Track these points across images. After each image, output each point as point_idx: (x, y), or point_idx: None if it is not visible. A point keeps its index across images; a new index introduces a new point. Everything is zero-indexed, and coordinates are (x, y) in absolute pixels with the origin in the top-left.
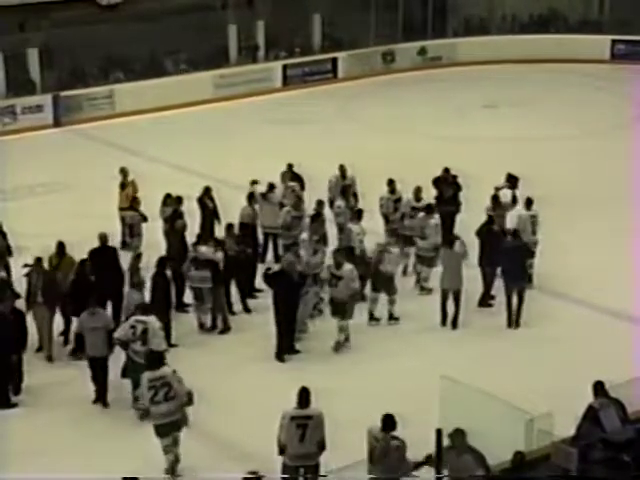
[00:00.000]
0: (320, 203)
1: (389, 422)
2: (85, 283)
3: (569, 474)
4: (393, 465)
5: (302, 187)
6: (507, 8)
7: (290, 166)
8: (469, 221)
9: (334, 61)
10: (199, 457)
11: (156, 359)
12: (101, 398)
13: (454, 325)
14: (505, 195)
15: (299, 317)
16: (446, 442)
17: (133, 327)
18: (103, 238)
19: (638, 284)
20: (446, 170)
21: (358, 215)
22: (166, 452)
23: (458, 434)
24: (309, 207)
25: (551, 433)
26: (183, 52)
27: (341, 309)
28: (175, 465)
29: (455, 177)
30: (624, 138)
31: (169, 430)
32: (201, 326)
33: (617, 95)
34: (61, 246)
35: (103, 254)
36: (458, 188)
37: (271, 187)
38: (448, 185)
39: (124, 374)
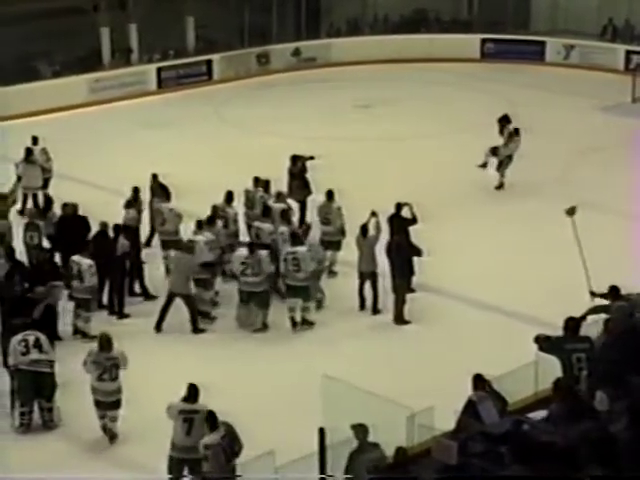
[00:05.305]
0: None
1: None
2: None
3: (449, 467)
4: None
5: (168, 198)
6: (379, 9)
7: (155, 176)
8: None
9: (209, 63)
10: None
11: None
12: None
13: (375, 310)
14: None
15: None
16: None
17: (24, 341)
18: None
19: (514, 280)
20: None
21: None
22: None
23: (360, 429)
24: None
25: (432, 428)
26: (55, 56)
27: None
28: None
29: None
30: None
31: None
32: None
33: (488, 93)
34: None
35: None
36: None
37: (29, 151)
38: (300, 171)
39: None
